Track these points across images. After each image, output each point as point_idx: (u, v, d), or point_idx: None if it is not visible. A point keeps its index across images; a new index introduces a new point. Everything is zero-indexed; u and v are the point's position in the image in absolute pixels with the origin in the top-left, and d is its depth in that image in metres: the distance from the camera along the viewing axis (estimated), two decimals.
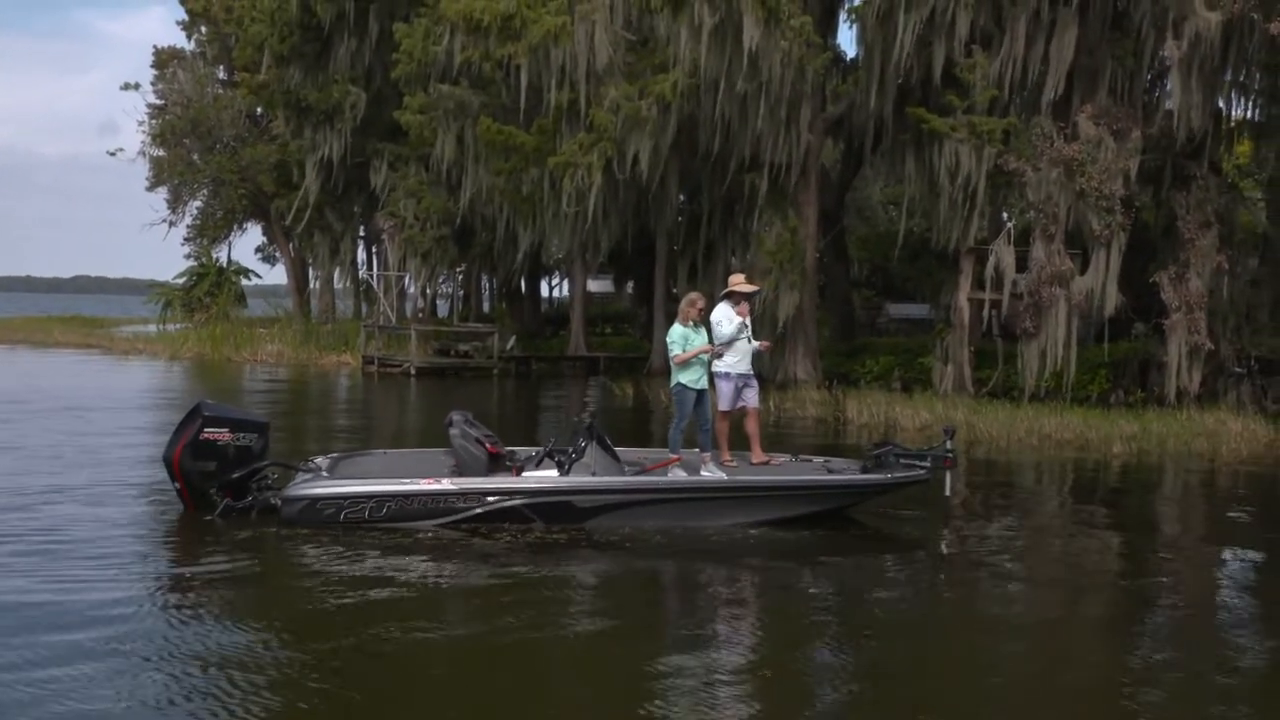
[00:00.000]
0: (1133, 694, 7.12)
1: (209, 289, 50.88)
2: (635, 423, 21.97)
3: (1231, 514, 14.35)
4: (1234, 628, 8.97)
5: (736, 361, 12.08)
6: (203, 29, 52.85)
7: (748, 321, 12.29)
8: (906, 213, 29.29)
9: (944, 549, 11.33)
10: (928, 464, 11.67)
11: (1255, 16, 22.13)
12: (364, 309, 48.15)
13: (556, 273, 58.80)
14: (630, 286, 49.00)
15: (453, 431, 11.14)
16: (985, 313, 26.40)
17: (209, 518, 10.75)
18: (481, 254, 38.93)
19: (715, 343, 12.01)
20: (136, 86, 55.87)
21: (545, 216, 28.67)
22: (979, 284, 25.39)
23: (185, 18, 53.32)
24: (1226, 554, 11.92)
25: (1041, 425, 20.61)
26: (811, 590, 9.58)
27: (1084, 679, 7.46)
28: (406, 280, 39.23)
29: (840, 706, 6.83)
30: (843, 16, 29.90)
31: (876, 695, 6.99)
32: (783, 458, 12.63)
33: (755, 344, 12.35)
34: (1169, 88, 25.30)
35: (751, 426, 12.34)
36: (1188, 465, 18.04)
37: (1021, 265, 24.43)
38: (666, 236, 33.32)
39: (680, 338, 11.74)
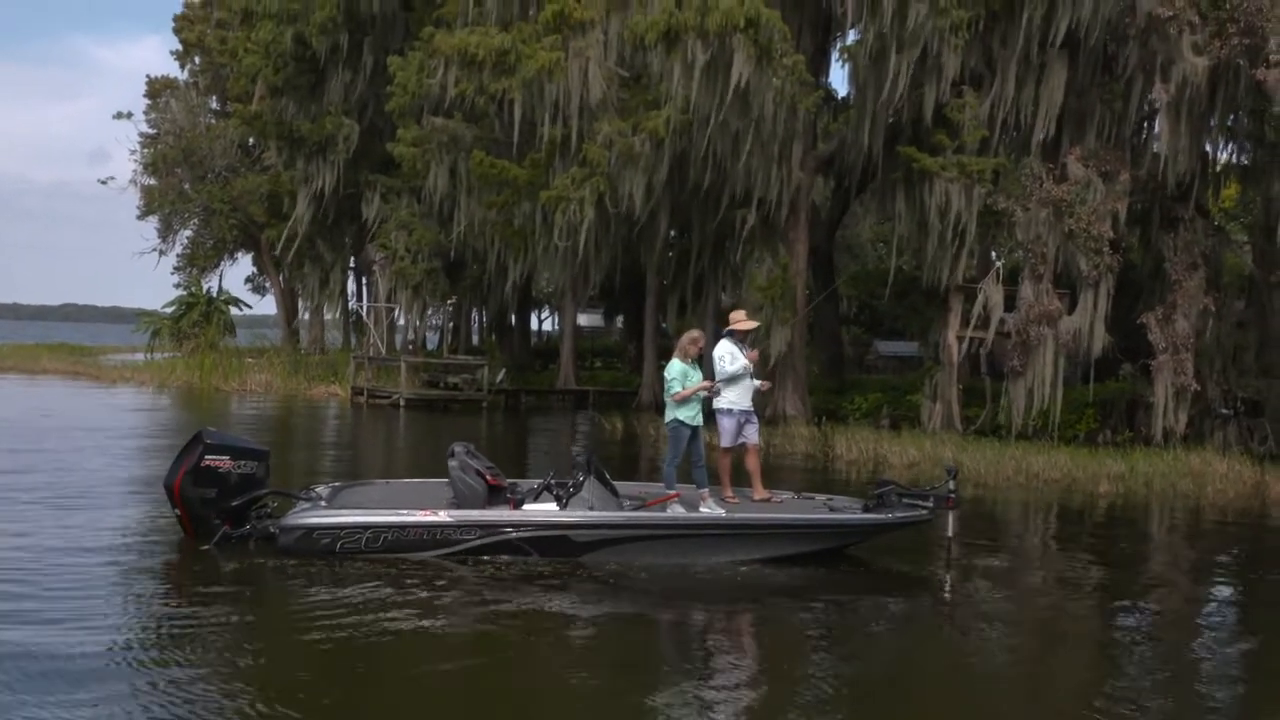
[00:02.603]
0: None
1: (198, 318, 50.78)
2: (625, 457, 22.00)
3: (1217, 555, 14.42)
4: (1218, 675, 9.03)
5: (738, 398, 12.12)
6: (196, 59, 53.14)
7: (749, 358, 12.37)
8: (896, 250, 29.46)
9: (946, 591, 11.24)
10: (930, 504, 11.66)
11: (1242, 62, 22.41)
12: (353, 340, 48.14)
13: (546, 306, 59.00)
14: (620, 321, 49.19)
15: (452, 464, 11.16)
16: (967, 348, 26.45)
17: (206, 546, 10.76)
18: (472, 286, 38.99)
19: (716, 379, 12.04)
20: (129, 115, 56.14)
21: (536, 250, 28.70)
22: (967, 322, 25.53)
23: (179, 48, 53.58)
24: (1212, 594, 11.99)
25: (1029, 464, 20.69)
26: (808, 630, 9.55)
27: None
28: (396, 312, 39.25)
29: None
30: (835, 56, 30.15)
31: None
32: (785, 495, 12.63)
33: (757, 382, 12.40)
34: (1157, 131, 25.58)
35: (752, 463, 12.34)
36: (1174, 505, 18.14)
37: (1010, 304, 24.58)
38: (656, 271, 33.43)
39: (679, 374, 11.74)
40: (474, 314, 52.01)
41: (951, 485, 11.56)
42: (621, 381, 39.90)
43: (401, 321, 40.68)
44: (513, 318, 46.12)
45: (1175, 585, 12.39)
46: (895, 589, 11.26)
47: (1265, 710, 7.88)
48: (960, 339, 25.67)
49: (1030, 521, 16.63)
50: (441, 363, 38.85)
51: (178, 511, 10.92)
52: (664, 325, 36.75)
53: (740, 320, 12.60)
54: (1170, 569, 13.48)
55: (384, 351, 38.78)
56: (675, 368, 11.81)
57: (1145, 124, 26.99)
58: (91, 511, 12.95)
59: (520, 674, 7.83)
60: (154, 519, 12.19)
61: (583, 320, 49.21)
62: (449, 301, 42.70)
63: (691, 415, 11.77)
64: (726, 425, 12.12)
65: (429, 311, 41.39)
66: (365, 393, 35.35)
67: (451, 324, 48.93)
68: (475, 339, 51.94)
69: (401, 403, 33.33)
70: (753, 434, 12.34)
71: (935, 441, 22.89)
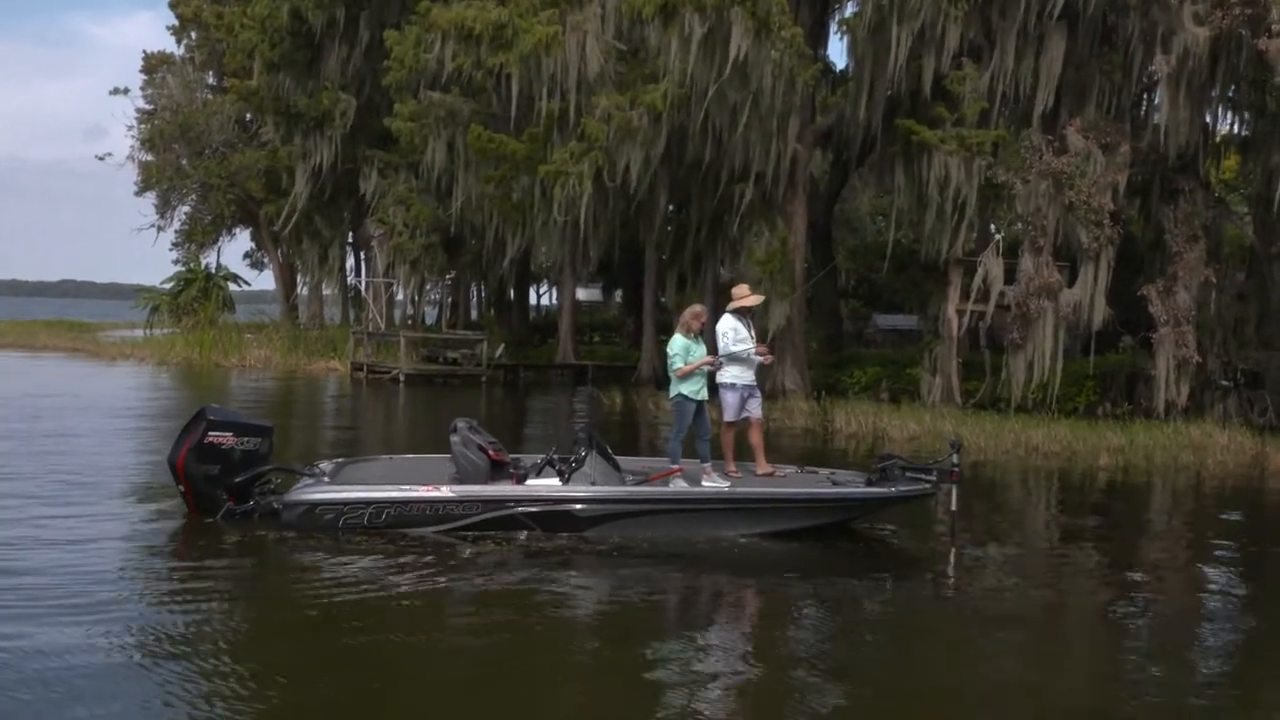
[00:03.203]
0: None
1: (197, 294, 50.77)
2: (624, 431, 22.02)
3: (1218, 527, 14.45)
4: (1219, 649, 9.06)
5: (741, 373, 12.09)
6: (193, 35, 52.90)
7: (753, 334, 12.34)
8: (895, 224, 29.42)
9: (950, 565, 11.18)
10: (934, 477, 11.60)
11: (1243, 32, 22.33)
12: (352, 315, 48.13)
13: (545, 281, 58.94)
14: (618, 295, 49.16)
15: (454, 439, 11.14)
16: (967, 321, 26.44)
17: (210, 521, 10.80)
18: (470, 262, 38.98)
19: (720, 353, 12.02)
20: (126, 91, 56.41)
21: (534, 225, 28.66)
22: (967, 296, 25.51)
23: (175, 23, 53.33)
24: (1213, 567, 12.01)
25: (1029, 437, 20.73)
26: (810, 605, 9.55)
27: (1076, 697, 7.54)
28: (395, 287, 39.22)
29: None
30: (833, 28, 30.06)
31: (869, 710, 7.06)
32: (788, 469, 12.60)
33: (759, 357, 12.37)
34: (1158, 102, 25.52)
35: (755, 438, 12.31)
36: (1174, 477, 18.18)
37: (1009, 277, 24.56)
38: (655, 246, 33.39)
39: (681, 349, 11.67)
40: (473, 289, 52.02)
41: (955, 459, 11.49)
42: (620, 356, 39.91)
43: (400, 297, 40.67)
44: (511, 293, 46.13)
45: (1177, 558, 12.42)
46: (897, 563, 11.28)
47: (1266, 684, 7.90)
48: (960, 312, 25.66)
49: (1030, 494, 16.67)
50: (440, 338, 38.84)
51: (181, 488, 10.95)
52: (663, 300, 36.75)
53: (744, 295, 12.53)
54: (1172, 541, 13.50)
55: (383, 327, 38.76)
56: (677, 343, 11.74)
57: (1145, 95, 26.93)
58: (95, 488, 12.97)
59: (521, 648, 7.85)
60: (158, 495, 12.21)
61: (581, 295, 49.18)
62: (447, 276, 42.71)
63: (695, 390, 11.69)
64: (730, 400, 12.10)
65: (427, 286, 41.39)
66: (365, 368, 35.36)
67: (450, 299, 48.93)
68: (474, 314, 51.97)
69: (401, 378, 33.33)
70: (756, 408, 12.31)
71: (935, 415, 22.91)
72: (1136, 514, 15.37)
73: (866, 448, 20.19)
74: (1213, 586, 10.99)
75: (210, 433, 10.80)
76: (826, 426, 22.88)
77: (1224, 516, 15.24)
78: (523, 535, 10.72)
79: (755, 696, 7.07)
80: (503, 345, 38.40)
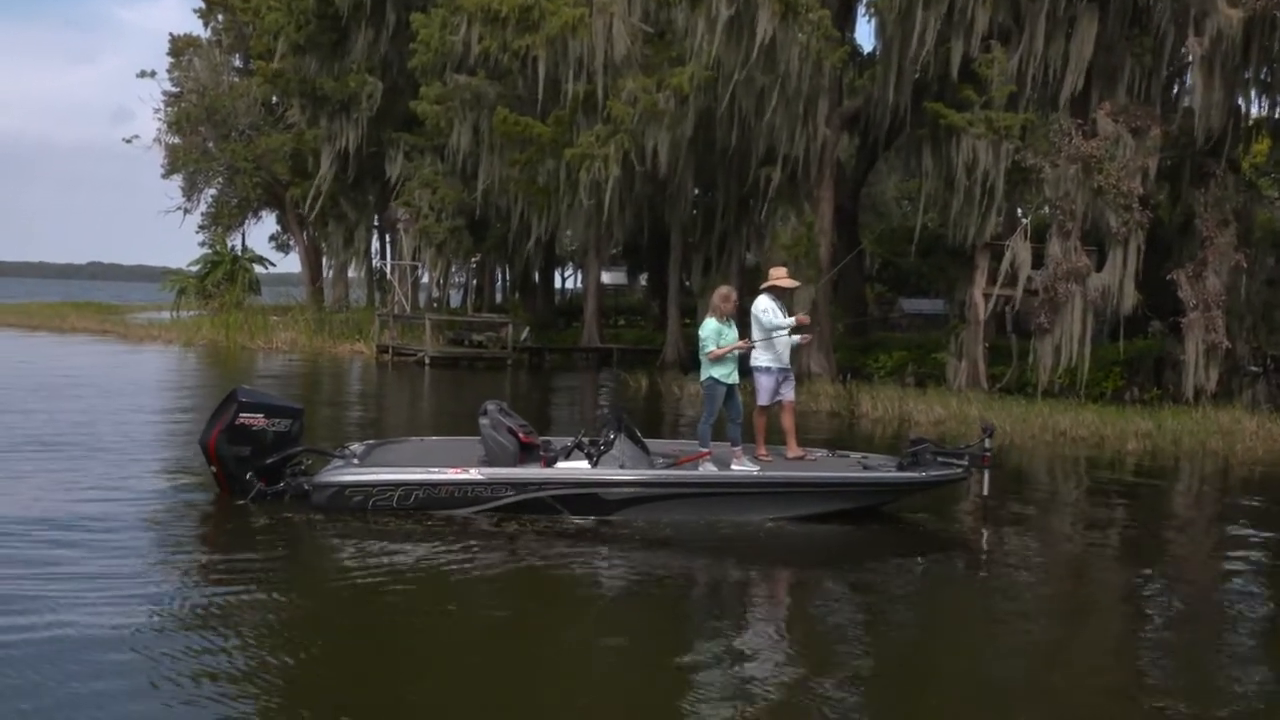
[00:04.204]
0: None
1: (223, 277, 51.00)
2: (649, 415, 22.02)
3: (1247, 514, 14.35)
4: (1246, 635, 9.02)
5: (777, 356, 12.03)
6: (219, 17, 52.99)
7: (787, 316, 12.28)
8: (922, 208, 29.29)
9: (982, 552, 11.16)
10: (965, 462, 11.53)
11: (1277, 14, 22.11)
12: (378, 298, 48.24)
13: (570, 264, 58.95)
14: (644, 279, 49.11)
15: (483, 421, 11.14)
16: (994, 305, 26.31)
17: (241, 502, 10.88)
18: (496, 245, 39.03)
19: (757, 335, 11.95)
20: (153, 74, 56.22)
21: (560, 208, 28.68)
22: (994, 280, 25.41)
23: (202, 5, 53.46)
24: (1242, 553, 11.94)
25: (1056, 422, 20.63)
26: (840, 591, 9.52)
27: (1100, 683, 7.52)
28: (420, 270, 39.30)
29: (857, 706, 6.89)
30: (861, 10, 29.92)
31: (892, 696, 7.06)
32: (819, 453, 12.54)
33: (796, 338, 12.31)
34: (1189, 85, 25.31)
35: (788, 421, 12.26)
36: (1203, 463, 18.07)
37: (1037, 262, 24.43)
38: (681, 229, 33.35)
39: (713, 333, 11.55)
40: (498, 272, 52.02)
41: (987, 444, 11.42)
42: (645, 339, 39.89)
43: (425, 279, 40.72)
44: (536, 275, 46.13)
45: (1206, 545, 12.36)
46: (928, 548, 11.19)
47: None
48: (987, 297, 25.55)
49: (1058, 480, 16.59)
50: (466, 320, 38.89)
51: (213, 469, 11.02)
52: (688, 283, 36.62)
53: (781, 277, 12.44)
54: (1201, 528, 13.43)
55: (408, 309, 38.85)
56: (709, 326, 11.62)
57: (1177, 78, 26.68)
58: (127, 468, 13.08)
59: (549, 631, 7.88)
60: (190, 476, 12.31)
61: (606, 278, 49.15)
62: (473, 259, 42.75)
63: (726, 373, 11.59)
64: (765, 383, 12.03)
65: (453, 269, 41.41)
66: (390, 350, 35.48)
67: (475, 282, 48.97)
68: (499, 297, 51.98)
69: (426, 360, 33.41)
70: (789, 391, 12.26)
71: (961, 400, 22.84)
72: (1165, 500, 15.28)
73: (892, 432, 20.15)
74: (1241, 574, 10.92)
75: (241, 414, 10.86)
76: (852, 410, 22.83)
77: (1252, 503, 15.15)
78: (551, 518, 10.74)
79: (783, 680, 7.07)
80: (528, 328, 38.44)
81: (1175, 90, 26.88)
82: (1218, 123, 23.73)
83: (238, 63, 53.88)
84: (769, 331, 12.01)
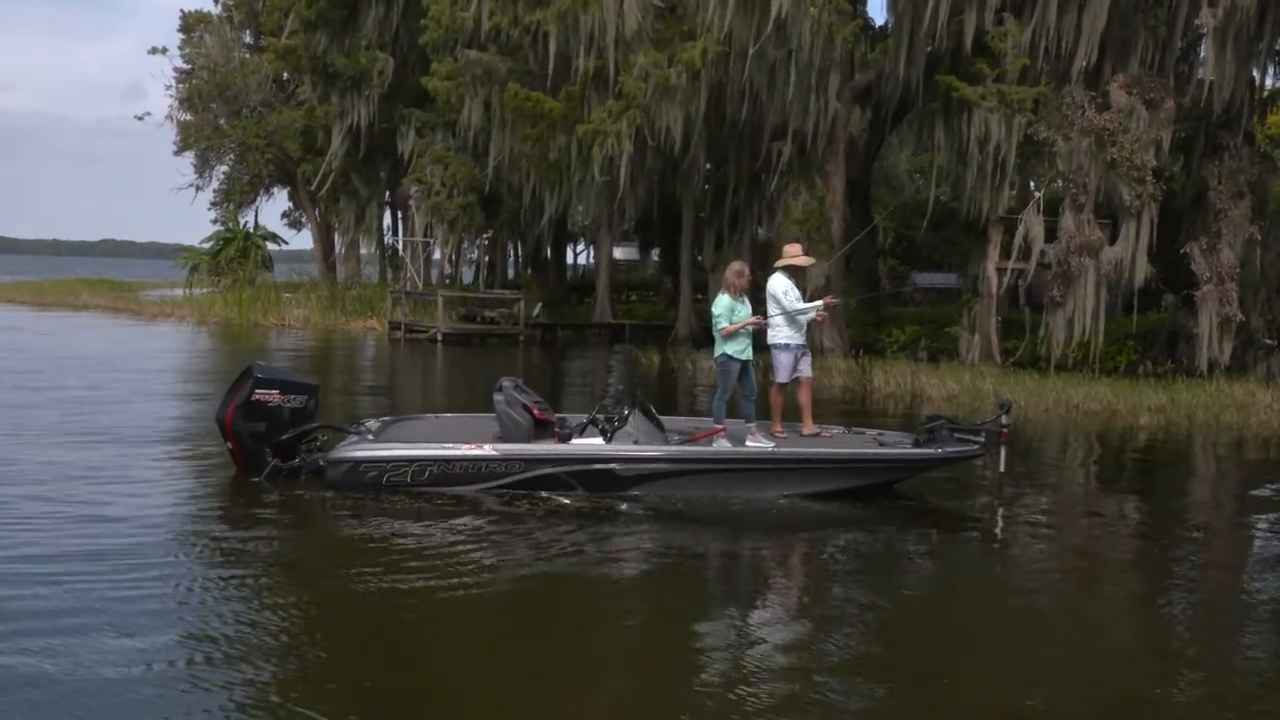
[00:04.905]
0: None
1: (235, 254, 51.08)
2: (661, 390, 22.05)
3: (1262, 487, 14.33)
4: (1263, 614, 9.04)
5: (794, 333, 11.99)
6: None
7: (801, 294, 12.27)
8: (934, 181, 29.20)
9: (998, 528, 11.19)
10: (982, 439, 11.48)
11: None
12: (389, 275, 48.28)
13: (582, 240, 58.87)
14: (656, 254, 49.03)
15: (498, 397, 11.16)
16: (1007, 279, 26.21)
17: (256, 478, 10.95)
18: (508, 221, 39.00)
19: (773, 312, 11.91)
20: (164, 51, 56.07)
21: (572, 184, 28.64)
22: (1006, 254, 25.34)
23: None
24: (1257, 528, 11.95)
25: (1069, 396, 20.61)
26: (854, 567, 9.50)
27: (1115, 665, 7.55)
28: (432, 246, 39.31)
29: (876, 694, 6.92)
30: None
31: (912, 674, 7.09)
32: (835, 429, 12.51)
33: (813, 314, 12.27)
34: (1203, 57, 25.14)
35: (804, 397, 12.20)
36: (1217, 437, 18.04)
37: (1050, 235, 24.36)
38: (693, 205, 33.28)
39: (726, 309, 11.52)
40: (510, 248, 52.04)
41: (1004, 420, 11.38)
42: (657, 315, 39.86)
43: (437, 256, 40.76)
44: (548, 252, 46.12)
45: (1222, 519, 12.34)
46: (943, 525, 11.18)
47: None
48: (1000, 270, 25.49)
49: (1072, 453, 16.58)
50: (478, 297, 38.92)
51: (229, 445, 11.08)
52: (700, 259, 36.60)
53: (796, 254, 12.38)
54: (1216, 502, 13.43)
55: (420, 286, 38.89)
56: (722, 302, 11.59)
57: (1191, 50, 26.50)
58: (142, 445, 13.19)
59: (562, 606, 7.93)
60: (206, 452, 12.40)
61: (618, 254, 49.12)
62: (484, 236, 42.76)
63: (740, 350, 11.57)
64: (784, 360, 11.98)
65: (464, 246, 41.42)
66: (402, 327, 35.54)
67: (487, 258, 48.98)
68: (511, 273, 52.01)
69: (439, 337, 33.48)
70: (806, 368, 12.20)
71: (974, 374, 22.81)
72: (1179, 474, 15.29)
73: (905, 407, 20.17)
74: (1258, 547, 10.94)
75: (257, 390, 10.92)
76: (865, 385, 22.82)
77: (1267, 476, 15.13)
78: (565, 494, 10.77)
79: (796, 655, 7.12)
80: (540, 304, 38.44)
81: (1189, 62, 26.69)
82: (1232, 94, 23.60)
83: (249, 39, 53.77)
84: (793, 314, 11.97)
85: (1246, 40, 23.43)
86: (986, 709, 6.34)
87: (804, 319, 12.13)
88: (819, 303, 12.18)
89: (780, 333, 11.97)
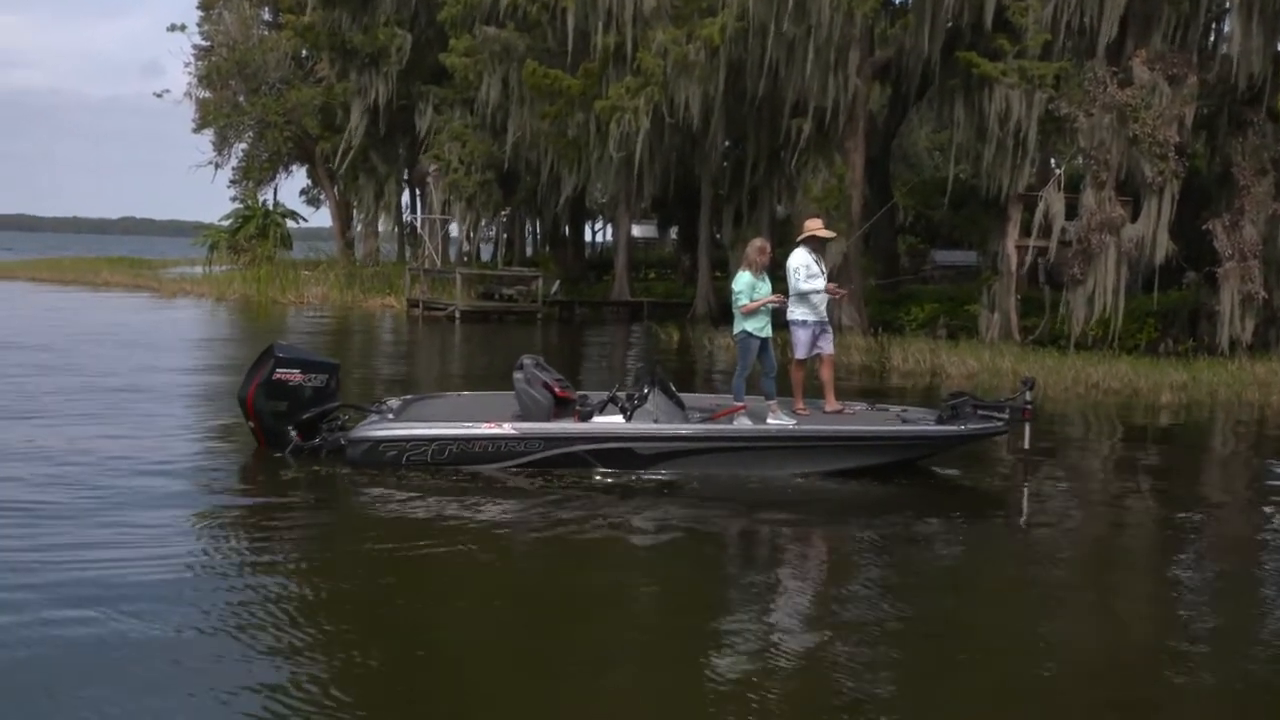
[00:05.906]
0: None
1: (254, 232, 51.21)
2: (680, 368, 22.04)
3: None
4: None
5: (813, 309, 11.91)
6: None
7: (824, 268, 12.19)
8: (954, 159, 29.05)
9: (1022, 506, 11.13)
10: (1005, 416, 11.39)
11: None
12: (408, 252, 48.34)
13: (600, 217, 58.81)
14: (674, 232, 48.95)
15: (518, 376, 11.13)
16: (1027, 257, 26.08)
17: (278, 455, 11.00)
18: (526, 198, 39.02)
19: (790, 292, 11.86)
20: (183, 28, 56.10)
21: (590, 161, 28.60)
22: (1026, 231, 25.20)
23: None
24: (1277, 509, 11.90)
25: (1089, 374, 20.51)
26: (877, 544, 9.43)
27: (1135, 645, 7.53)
28: (450, 224, 39.33)
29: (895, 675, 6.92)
30: None
31: (932, 661, 7.09)
32: (857, 406, 12.42)
33: (831, 294, 12.20)
34: (1227, 31, 24.90)
35: (826, 374, 12.13)
36: (1239, 415, 17.94)
37: (1071, 212, 24.22)
38: (711, 182, 33.20)
39: (747, 286, 11.42)
40: (528, 226, 52.02)
41: (1028, 397, 11.30)
42: (676, 293, 39.83)
43: (455, 233, 40.78)
44: (566, 229, 46.12)
45: (1242, 498, 12.30)
46: (966, 502, 11.13)
47: None
48: (1020, 248, 25.36)
49: (1092, 432, 16.52)
50: (496, 274, 38.92)
51: (250, 423, 11.14)
52: (718, 236, 36.53)
53: (817, 227, 12.28)
54: (1238, 481, 13.37)
55: (439, 264, 38.93)
56: (743, 279, 11.50)
57: (1214, 24, 26.25)
58: (165, 422, 13.27)
59: (581, 585, 7.95)
60: (228, 430, 12.46)
61: (636, 231, 49.04)
62: (503, 213, 42.75)
63: (759, 327, 11.49)
64: (802, 337, 11.90)
65: (483, 223, 41.45)
66: (421, 305, 35.59)
67: (505, 236, 48.98)
68: (529, 251, 51.99)
69: (457, 315, 33.51)
70: (827, 344, 12.11)
71: (994, 352, 22.73)
72: (1200, 452, 15.20)
73: (924, 385, 20.11)
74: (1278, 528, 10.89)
75: (279, 369, 10.96)
76: (884, 363, 22.76)
77: None
78: (585, 472, 10.76)
79: (814, 634, 7.12)
80: (558, 282, 38.46)
81: (1213, 37, 26.43)
82: (1256, 70, 23.37)
83: (267, 16, 53.75)
84: (800, 294, 11.91)
85: (1273, 14, 23.18)
86: (1007, 687, 6.33)
87: (822, 296, 12.04)
88: (821, 285, 12.03)
89: (798, 309, 11.88)
